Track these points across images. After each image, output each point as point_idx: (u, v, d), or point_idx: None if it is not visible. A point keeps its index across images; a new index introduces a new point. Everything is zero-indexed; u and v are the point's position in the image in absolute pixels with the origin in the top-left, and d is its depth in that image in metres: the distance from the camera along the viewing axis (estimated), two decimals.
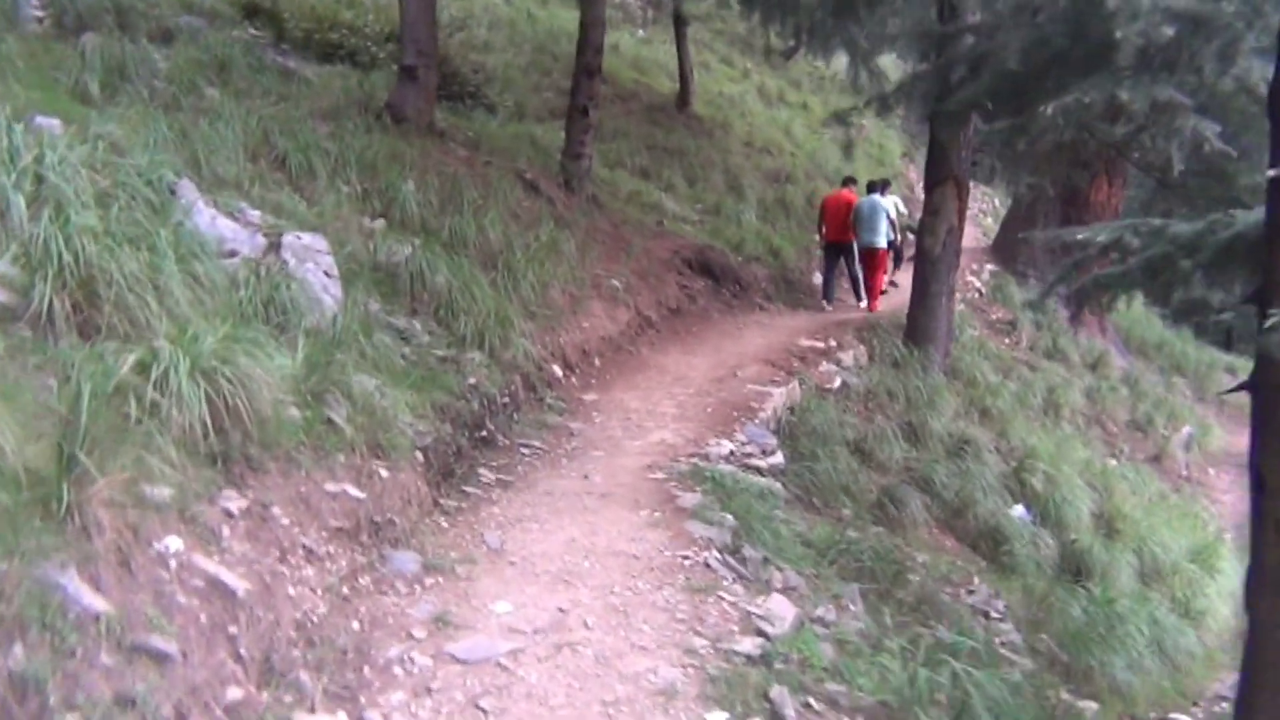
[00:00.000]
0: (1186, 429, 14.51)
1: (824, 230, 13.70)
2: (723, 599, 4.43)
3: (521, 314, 8.31)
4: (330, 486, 4.29)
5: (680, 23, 18.19)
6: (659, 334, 10.36)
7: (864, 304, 13.48)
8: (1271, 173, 4.55)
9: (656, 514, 5.49)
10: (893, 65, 15.08)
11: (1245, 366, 19.81)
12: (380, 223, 8.14)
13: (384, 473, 4.72)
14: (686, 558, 4.84)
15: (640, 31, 22.55)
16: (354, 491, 4.40)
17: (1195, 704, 7.82)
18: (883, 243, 13.06)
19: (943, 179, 11.09)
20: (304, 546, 3.90)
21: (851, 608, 5.31)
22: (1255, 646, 4.91)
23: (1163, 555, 9.44)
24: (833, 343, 10.83)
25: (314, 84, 10.34)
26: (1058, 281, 7.66)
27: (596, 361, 9.08)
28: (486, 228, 8.80)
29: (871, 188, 13.64)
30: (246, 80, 9.41)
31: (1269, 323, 4.24)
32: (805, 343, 10.64)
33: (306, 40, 11.97)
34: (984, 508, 8.78)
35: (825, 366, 10.04)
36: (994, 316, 15.49)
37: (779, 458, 7.56)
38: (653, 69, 19.85)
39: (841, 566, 6.05)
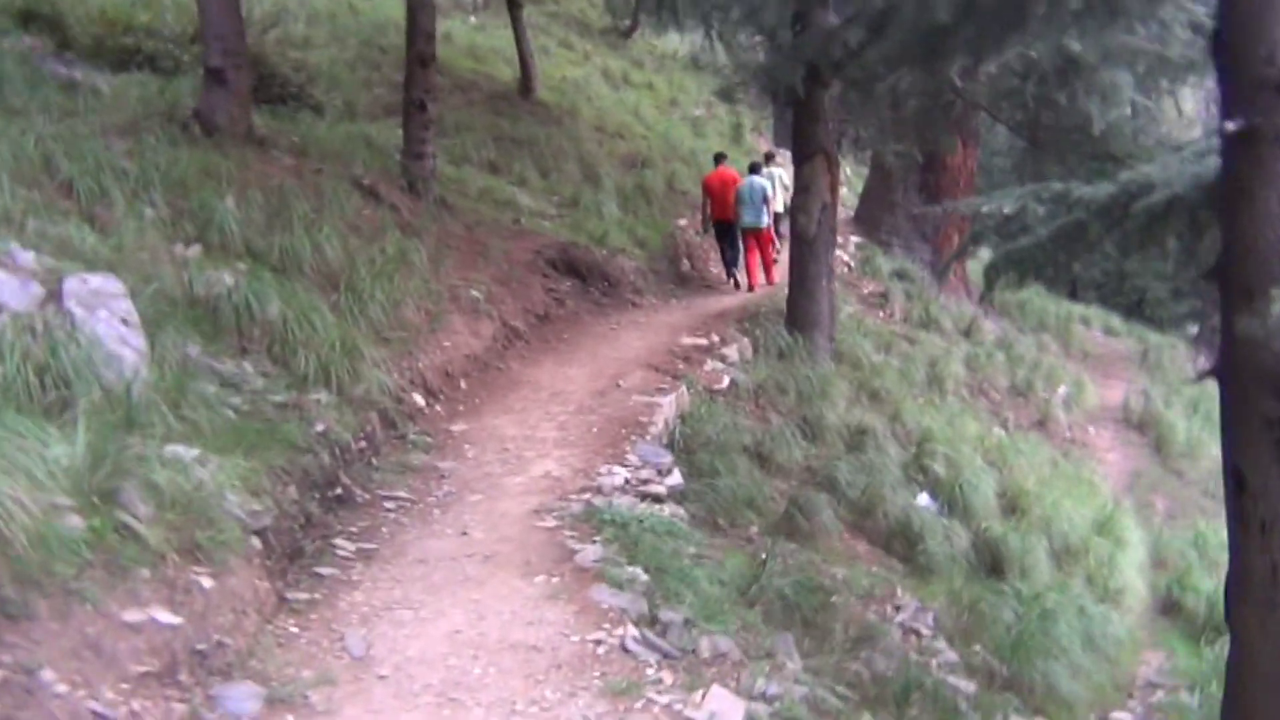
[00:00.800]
0: (1063, 388, 14.45)
1: (709, 211, 13.39)
2: (653, 702, 3.56)
3: (372, 340, 7.33)
4: (131, 616, 3.26)
5: (514, 6, 17.24)
6: (529, 345, 9.45)
7: (743, 287, 13.15)
8: (1230, 125, 3.94)
9: (554, 579, 4.62)
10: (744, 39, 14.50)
11: (1098, 316, 20.18)
12: (195, 249, 7.01)
13: (206, 581, 3.68)
14: (598, 641, 3.97)
15: (472, 18, 21.44)
16: (165, 617, 3.36)
17: (1130, 695, 7.45)
18: (765, 221, 12.83)
19: (811, 154, 10.52)
20: (93, 714, 2.88)
21: (789, 665, 4.57)
22: (1238, 662, 4.36)
23: (1070, 532, 9.11)
24: (715, 338, 10.13)
25: (106, 95, 9.05)
26: (955, 255, 7.11)
27: (463, 384, 8.13)
28: (323, 244, 7.79)
29: (753, 169, 13.32)
30: (21, 96, 8.10)
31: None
32: (687, 340, 9.91)
33: (96, 47, 10.62)
34: (892, 504, 8.27)
35: (711, 365, 9.33)
36: (866, 291, 15.10)
37: (676, 477, 6.81)
38: (490, 57, 18.79)
39: (766, 609, 5.33)
